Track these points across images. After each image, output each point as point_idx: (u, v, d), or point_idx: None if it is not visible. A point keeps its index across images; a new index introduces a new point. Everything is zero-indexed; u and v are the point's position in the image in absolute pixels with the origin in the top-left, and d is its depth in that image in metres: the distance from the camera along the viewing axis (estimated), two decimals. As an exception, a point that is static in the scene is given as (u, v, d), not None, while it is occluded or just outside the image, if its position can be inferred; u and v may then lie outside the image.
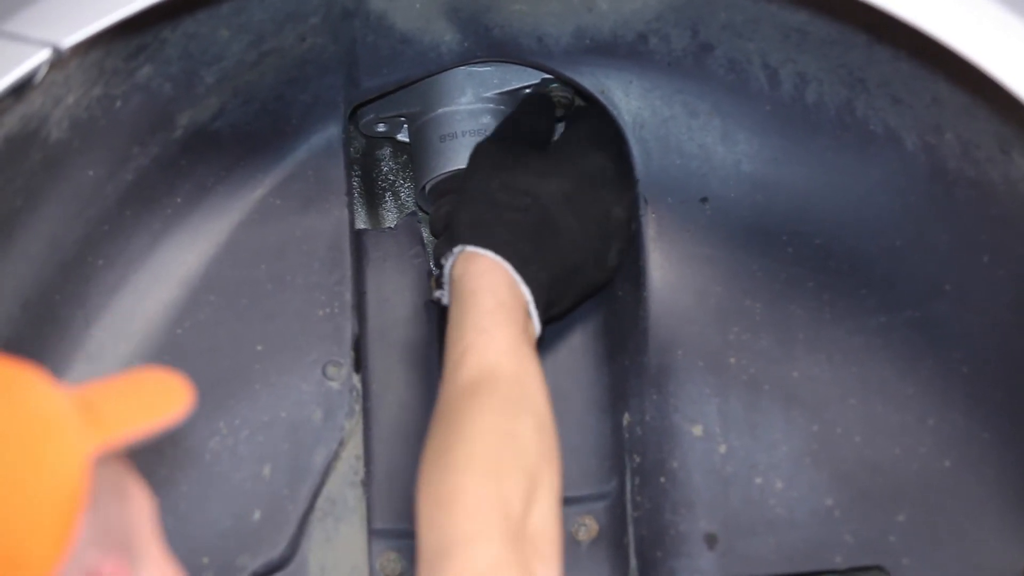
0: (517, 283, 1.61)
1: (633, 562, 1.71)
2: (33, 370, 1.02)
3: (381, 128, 1.90)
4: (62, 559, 0.98)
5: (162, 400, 1.06)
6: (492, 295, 1.58)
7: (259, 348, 1.72)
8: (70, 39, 1.39)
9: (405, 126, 1.90)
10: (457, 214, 1.67)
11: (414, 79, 1.79)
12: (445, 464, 1.45)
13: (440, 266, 1.68)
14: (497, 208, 1.65)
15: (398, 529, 1.73)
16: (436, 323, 1.80)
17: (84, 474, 0.99)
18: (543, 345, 1.76)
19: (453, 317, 1.60)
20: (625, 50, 1.71)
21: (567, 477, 1.68)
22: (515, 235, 1.63)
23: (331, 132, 1.77)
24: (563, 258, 1.67)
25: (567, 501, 1.70)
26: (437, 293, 1.68)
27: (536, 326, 1.63)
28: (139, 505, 1.07)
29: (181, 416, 1.07)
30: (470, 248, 1.63)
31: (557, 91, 1.82)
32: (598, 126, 1.76)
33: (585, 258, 1.69)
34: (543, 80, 1.81)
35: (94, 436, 1.01)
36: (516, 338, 1.56)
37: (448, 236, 1.68)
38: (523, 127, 1.77)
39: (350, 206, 1.78)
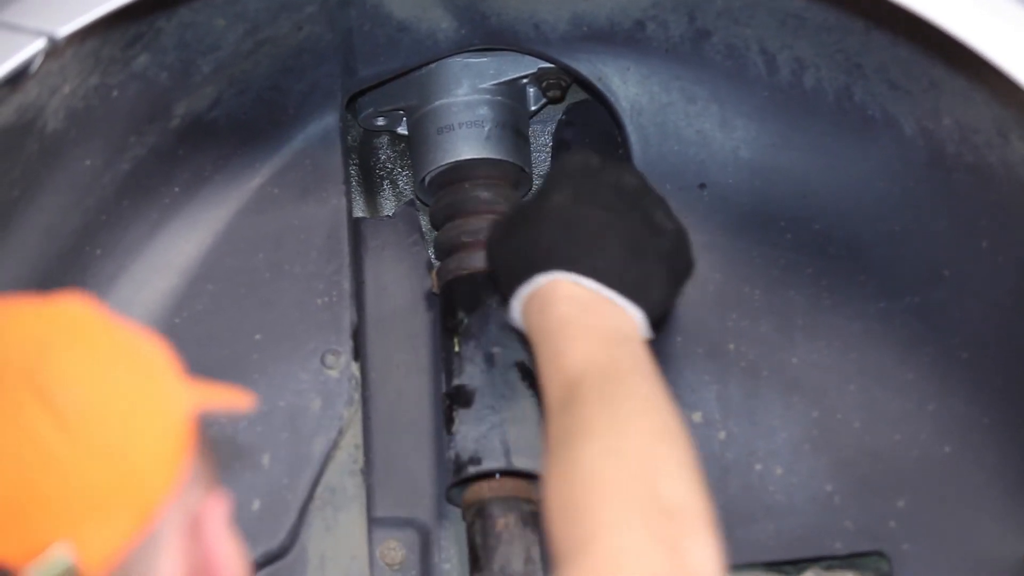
0: (623, 307, 1.47)
1: (634, 549, 1.71)
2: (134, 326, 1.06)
3: (380, 122, 1.90)
4: (174, 491, 1.03)
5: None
6: (597, 318, 1.45)
7: (257, 337, 1.72)
8: (66, 28, 1.40)
9: (404, 119, 1.90)
10: (535, 236, 1.51)
11: (411, 67, 1.79)
12: (574, 458, 1.34)
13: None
14: (582, 230, 1.50)
15: (398, 517, 1.72)
16: (437, 312, 1.80)
17: (191, 420, 1.05)
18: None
19: (548, 347, 1.45)
20: (622, 37, 1.71)
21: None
22: (607, 257, 1.48)
23: (328, 121, 1.77)
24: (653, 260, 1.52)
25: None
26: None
27: (643, 332, 1.49)
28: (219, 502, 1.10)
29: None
30: (562, 274, 1.47)
31: (552, 75, 1.81)
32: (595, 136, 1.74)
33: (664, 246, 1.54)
34: (539, 69, 1.81)
35: (192, 392, 1.06)
36: (634, 356, 1.43)
37: (523, 260, 1.51)
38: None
39: (348, 194, 1.78)
